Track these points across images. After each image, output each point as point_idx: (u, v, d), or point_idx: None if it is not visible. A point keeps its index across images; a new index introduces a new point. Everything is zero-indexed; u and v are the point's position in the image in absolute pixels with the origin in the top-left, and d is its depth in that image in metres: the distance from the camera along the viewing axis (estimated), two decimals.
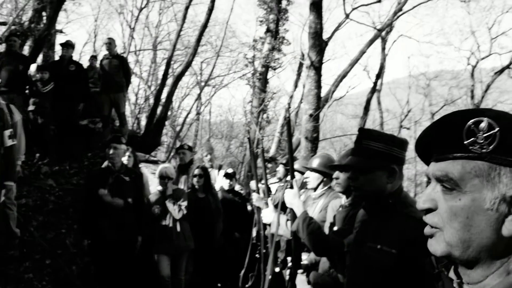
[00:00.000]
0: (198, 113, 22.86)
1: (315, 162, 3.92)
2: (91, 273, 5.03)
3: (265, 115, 14.66)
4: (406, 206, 2.02)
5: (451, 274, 0.97)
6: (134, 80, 20.40)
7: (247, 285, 4.86)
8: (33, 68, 7.16)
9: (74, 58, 8.03)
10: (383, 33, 16.75)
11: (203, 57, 21.77)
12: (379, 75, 18.06)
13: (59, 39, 11.63)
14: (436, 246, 0.91)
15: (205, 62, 22.31)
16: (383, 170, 2.06)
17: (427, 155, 0.98)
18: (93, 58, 9.82)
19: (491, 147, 0.84)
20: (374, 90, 17.96)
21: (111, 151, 4.77)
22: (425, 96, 23.01)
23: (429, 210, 0.93)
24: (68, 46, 7.70)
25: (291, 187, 3.04)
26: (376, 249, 1.98)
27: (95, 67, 9.05)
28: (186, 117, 20.27)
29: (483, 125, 0.86)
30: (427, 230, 0.95)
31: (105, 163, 4.86)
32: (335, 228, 3.20)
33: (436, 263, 1.02)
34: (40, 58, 9.76)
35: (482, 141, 0.85)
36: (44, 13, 9.83)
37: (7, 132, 4.35)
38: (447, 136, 0.91)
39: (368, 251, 2.03)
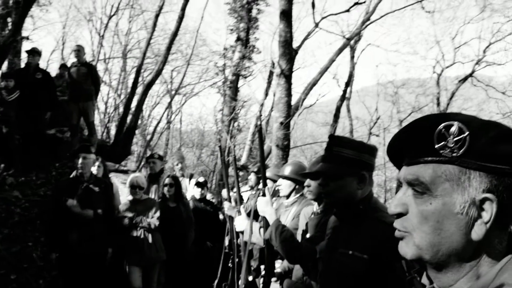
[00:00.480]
0: (168, 122, 22.71)
1: (287, 170, 3.93)
2: (59, 287, 4.89)
3: (236, 124, 14.66)
4: (377, 211, 2.04)
5: (424, 280, 0.98)
6: (104, 88, 20.13)
7: None
8: None
9: (41, 66, 7.83)
10: (352, 42, 17.03)
11: (173, 66, 21.67)
12: (348, 83, 18.33)
13: (26, 46, 11.35)
14: (406, 249, 0.92)
15: (175, 70, 22.21)
16: (353, 177, 2.08)
17: (398, 159, 0.98)
18: (64, 67, 9.59)
19: (461, 151, 0.85)
20: (343, 98, 18.22)
21: (80, 161, 4.67)
22: (393, 103, 23.46)
23: (399, 215, 0.94)
24: (34, 53, 7.53)
25: (263, 195, 3.03)
26: (348, 254, 1.99)
27: (64, 76, 8.85)
28: (157, 126, 20.10)
29: (453, 129, 0.86)
30: (397, 232, 0.95)
31: (74, 173, 4.75)
32: (308, 235, 3.21)
33: (407, 268, 1.03)
34: (5, 66, 9.52)
35: (452, 145, 0.86)
36: (9, 19, 9.60)
37: None
38: (418, 140, 0.91)
39: (340, 257, 2.04)
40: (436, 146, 0.88)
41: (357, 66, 18.65)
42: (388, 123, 23.42)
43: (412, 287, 0.99)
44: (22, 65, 9.96)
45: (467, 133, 0.85)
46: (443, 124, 0.88)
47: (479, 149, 0.85)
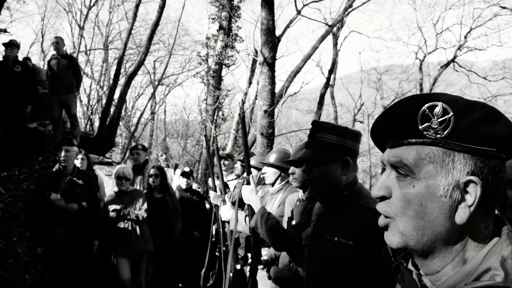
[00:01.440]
0: (152, 113, 22.54)
1: (272, 157, 3.93)
2: (46, 282, 4.84)
3: (220, 113, 14.62)
4: (361, 197, 2.05)
5: (410, 266, 0.96)
6: (86, 80, 19.86)
7: (208, 284, 4.85)
8: None
9: (19, 59, 7.67)
10: (335, 29, 17.04)
11: (156, 56, 21.48)
12: (331, 71, 18.36)
13: (3, 39, 11.15)
14: (392, 238, 0.90)
15: (158, 61, 22.02)
16: (337, 162, 2.07)
17: (382, 142, 0.97)
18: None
19: (445, 132, 0.84)
20: (327, 85, 18.26)
21: (62, 154, 4.61)
22: (376, 90, 23.59)
23: (382, 198, 0.92)
24: (12, 45, 7.36)
25: (248, 183, 3.03)
26: (333, 241, 1.99)
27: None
28: (140, 116, 19.94)
29: (437, 109, 0.85)
30: (381, 221, 0.94)
31: (56, 167, 4.69)
32: (293, 222, 3.23)
33: (392, 253, 1.02)
34: None
35: (436, 126, 0.84)
36: None
37: None
38: (401, 122, 0.89)
39: (326, 244, 2.04)
40: (420, 127, 0.86)
41: (341, 53, 18.67)
42: (372, 109, 23.58)
43: (399, 273, 0.98)
44: (0, 58, 9.75)
45: (451, 114, 0.84)
46: (427, 105, 0.86)
47: (464, 130, 0.83)
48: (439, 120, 0.84)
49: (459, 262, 0.85)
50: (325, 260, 2.04)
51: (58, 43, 7.88)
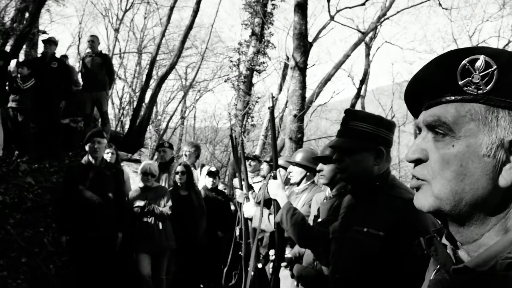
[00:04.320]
0: (182, 117, 22.75)
1: (299, 157, 3.88)
2: (69, 273, 4.89)
3: (249, 119, 14.64)
4: (394, 188, 1.97)
5: (444, 240, 0.89)
6: (119, 83, 20.23)
7: (230, 284, 4.79)
8: (13, 63, 6.99)
9: (57, 56, 7.85)
10: (367, 39, 16.90)
11: (188, 62, 21.72)
12: (363, 81, 18.19)
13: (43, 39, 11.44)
14: (423, 201, 0.83)
15: (190, 67, 22.25)
16: (370, 152, 2.00)
17: (417, 105, 0.90)
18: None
19: (488, 88, 0.77)
20: (358, 95, 18.09)
21: (95, 145, 4.65)
22: None
23: (418, 162, 0.85)
24: (50, 42, 7.54)
25: (275, 178, 2.98)
26: (363, 232, 1.91)
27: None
28: (170, 119, 20.15)
29: (479, 63, 0.78)
30: (413, 182, 0.86)
31: (85, 158, 4.73)
32: (320, 220, 3.15)
33: (425, 245, 0.93)
34: (22, 57, 9.58)
35: (478, 81, 0.78)
36: (27, 13, 9.67)
37: None
38: (439, 78, 0.82)
39: (354, 235, 1.96)
40: (460, 83, 0.79)
41: (373, 64, 18.52)
42: (402, 122, 23.19)
43: (431, 246, 0.90)
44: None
45: (494, 67, 0.77)
46: (467, 59, 0.79)
47: (509, 85, 0.76)
48: (481, 74, 0.78)
49: (500, 230, 0.78)
50: (352, 252, 1.96)
51: (93, 41, 8.05)
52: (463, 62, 0.79)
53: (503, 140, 0.76)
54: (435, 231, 0.93)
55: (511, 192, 0.77)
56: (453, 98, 0.80)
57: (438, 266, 0.89)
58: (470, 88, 0.78)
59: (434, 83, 0.84)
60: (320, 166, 3.21)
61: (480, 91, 0.78)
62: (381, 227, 1.85)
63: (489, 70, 0.77)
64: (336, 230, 2.27)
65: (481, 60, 0.78)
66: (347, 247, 2.03)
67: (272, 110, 3.21)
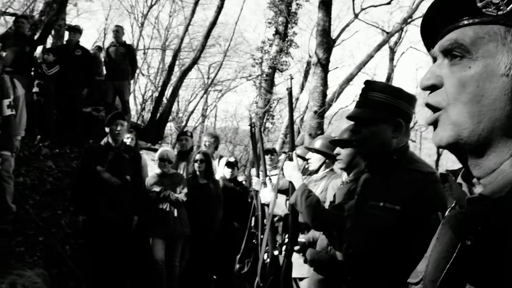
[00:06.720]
0: (203, 116, 22.83)
1: (318, 143, 3.83)
2: (84, 256, 4.93)
3: (270, 118, 14.61)
4: (412, 162, 1.92)
5: (459, 180, 0.85)
6: (142, 79, 20.40)
7: (243, 271, 4.76)
8: (39, 50, 7.12)
9: (81, 44, 7.96)
10: (392, 44, 16.70)
11: (210, 61, 21.78)
12: None
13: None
14: (442, 133, 0.79)
15: (212, 66, 22.31)
16: (388, 123, 1.94)
17: (432, 36, 0.86)
18: (99, 49, 9.76)
19: (508, 8, 0.72)
20: None
21: (117, 127, 4.67)
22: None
23: (433, 88, 0.81)
24: (75, 30, 7.67)
25: (291, 159, 2.94)
26: (378, 206, 1.86)
27: (98, 56, 8.98)
28: (190, 115, 20.24)
29: None
30: (429, 118, 0.83)
31: (105, 140, 4.76)
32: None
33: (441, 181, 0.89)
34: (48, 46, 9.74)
35: (498, 1, 0.73)
36: (55, 6, 9.84)
37: (6, 102, 4.30)
38: (457, 1, 0.78)
39: (370, 210, 1.91)
40: (479, 4, 0.75)
41: (396, 69, 18.29)
42: (425, 128, 22.85)
43: (446, 183, 0.86)
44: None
45: None
46: None
47: None
48: None
49: None
50: (367, 227, 1.91)
51: (118, 31, 8.15)
52: None
53: None
54: (449, 171, 0.89)
55: None
56: (471, 21, 0.77)
57: (453, 203, 0.86)
58: (490, 9, 0.74)
59: (451, 7, 0.80)
60: (337, 149, 3.15)
61: (500, 12, 0.74)
62: (397, 201, 1.80)
63: None
64: (351, 208, 2.23)
65: None
66: (362, 222, 1.98)
67: (290, 91, 3.18)
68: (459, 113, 0.76)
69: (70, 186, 5.93)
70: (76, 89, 7.43)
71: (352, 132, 2.09)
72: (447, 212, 0.89)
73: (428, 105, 0.83)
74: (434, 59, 0.85)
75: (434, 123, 0.82)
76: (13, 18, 9.03)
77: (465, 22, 0.77)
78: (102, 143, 4.78)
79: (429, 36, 0.89)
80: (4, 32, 8.39)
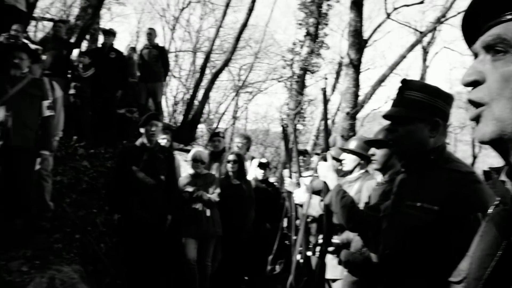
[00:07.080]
0: (234, 117, 22.93)
1: (352, 144, 3.79)
2: (119, 254, 5.02)
3: (301, 120, 14.55)
4: (450, 162, 1.87)
5: (502, 177, 0.84)
6: (173, 82, 20.65)
7: (274, 272, 4.76)
8: (75, 53, 7.32)
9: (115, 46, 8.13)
10: (425, 43, 16.43)
11: (241, 63, 21.88)
12: None
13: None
14: (484, 129, 0.77)
15: (243, 68, 22.41)
16: (425, 123, 1.90)
17: (473, 33, 0.85)
18: (133, 49, 9.94)
19: None
20: None
21: (152, 128, 4.74)
22: (466, 110, 22.34)
23: (475, 84, 0.80)
24: (110, 33, 7.85)
25: (325, 160, 2.93)
26: (416, 207, 1.83)
27: (132, 57, 9.15)
28: (221, 117, 20.37)
29: None
30: (472, 113, 0.82)
31: (140, 140, 4.84)
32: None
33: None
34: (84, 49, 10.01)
35: None
36: (90, 10, 10.10)
37: (45, 103, 4.42)
38: None
39: (407, 210, 1.88)
40: None
41: (429, 70, 17.98)
42: (459, 131, 22.37)
43: (488, 180, 0.84)
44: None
45: None
46: None
47: None
48: None
49: None
50: (404, 227, 1.88)
51: (151, 33, 8.31)
52: None
53: None
54: (492, 168, 0.87)
55: None
56: None
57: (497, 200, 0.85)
58: None
59: (494, 2, 0.79)
60: (372, 150, 3.12)
61: None
62: (435, 201, 1.76)
63: None
64: (387, 208, 2.19)
65: None
66: (398, 223, 1.95)
67: (324, 91, 3.17)
68: (503, 108, 0.74)
69: (105, 185, 6.05)
70: (110, 91, 7.61)
71: (388, 131, 2.06)
72: (490, 209, 0.87)
73: (470, 101, 0.82)
74: (475, 56, 0.84)
75: (477, 119, 0.81)
76: (51, 23, 9.33)
77: (508, 17, 0.76)
78: (137, 143, 4.86)
79: (470, 33, 0.88)
80: (43, 37, 8.67)
